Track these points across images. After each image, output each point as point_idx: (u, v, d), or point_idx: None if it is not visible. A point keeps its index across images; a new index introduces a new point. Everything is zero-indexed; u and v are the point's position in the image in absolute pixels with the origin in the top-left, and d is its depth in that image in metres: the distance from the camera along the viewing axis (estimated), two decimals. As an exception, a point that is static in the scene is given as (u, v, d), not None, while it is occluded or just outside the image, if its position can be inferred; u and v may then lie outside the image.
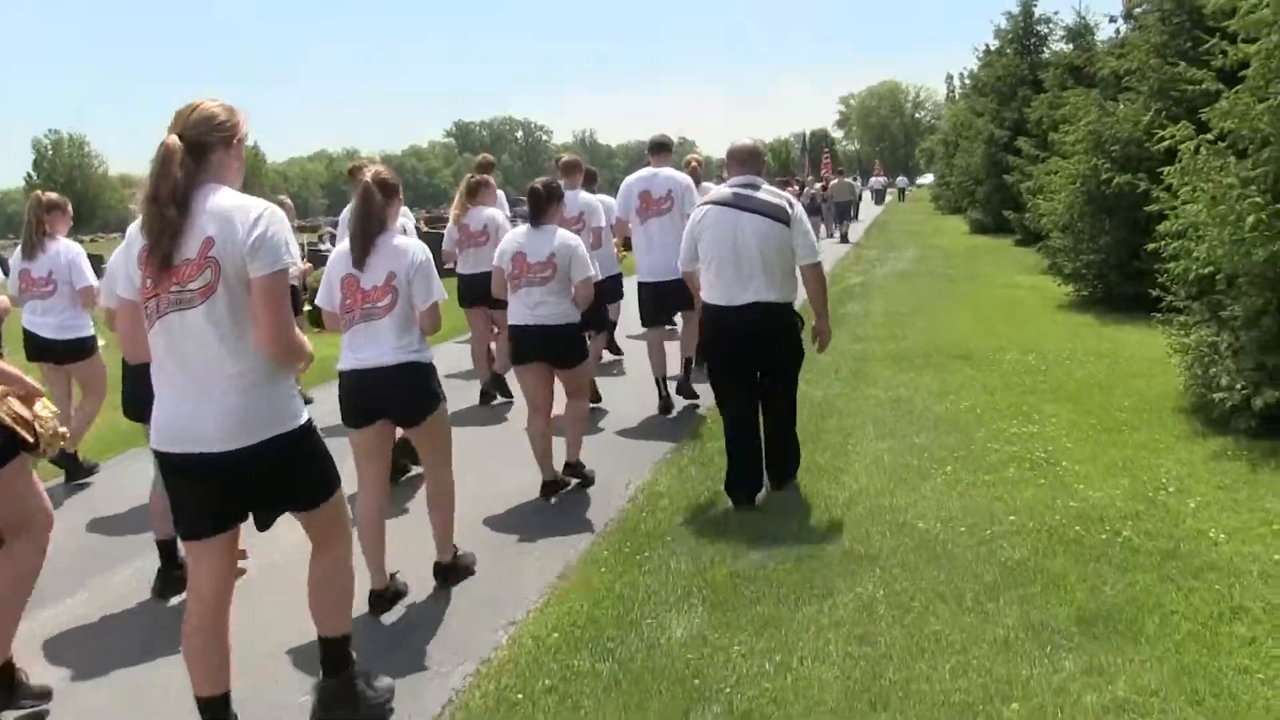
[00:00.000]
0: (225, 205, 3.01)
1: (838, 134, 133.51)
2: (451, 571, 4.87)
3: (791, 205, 5.55)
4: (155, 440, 3.15)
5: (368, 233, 4.40)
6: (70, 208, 7.09)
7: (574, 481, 6.27)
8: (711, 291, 5.59)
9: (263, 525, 3.30)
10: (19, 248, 6.90)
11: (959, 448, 6.48)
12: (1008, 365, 8.98)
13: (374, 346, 4.42)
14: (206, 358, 3.03)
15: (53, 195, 7.01)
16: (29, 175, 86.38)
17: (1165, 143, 6.87)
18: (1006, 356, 9.33)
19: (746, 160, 5.70)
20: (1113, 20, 17.69)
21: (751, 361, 5.63)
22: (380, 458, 4.66)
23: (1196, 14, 11.45)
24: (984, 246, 23.17)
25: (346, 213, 6.68)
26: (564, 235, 5.92)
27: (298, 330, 3.19)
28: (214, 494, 3.14)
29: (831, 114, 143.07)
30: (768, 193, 5.57)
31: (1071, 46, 21.25)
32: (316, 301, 4.69)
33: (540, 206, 5.93)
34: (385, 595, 4.63)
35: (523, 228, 6.10)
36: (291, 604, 3.89)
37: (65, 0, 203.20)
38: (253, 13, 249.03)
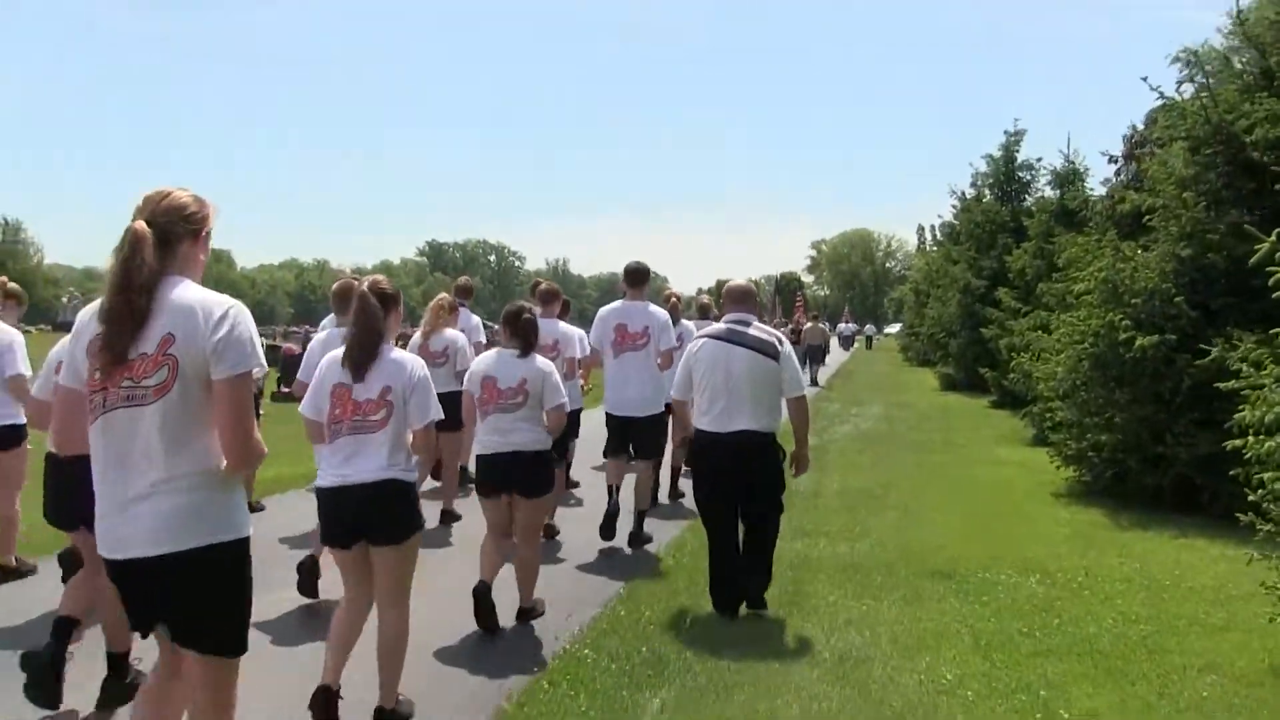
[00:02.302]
0: (188, 300, 2.80)
1: (808, 278, 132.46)
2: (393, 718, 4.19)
3: (781, 342, 5.95)
4: (100, 547, 2.87)
5: (366, 343, 4.22)
6: (24, 299, 6.90)
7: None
8: (703, 419, 5.87)
9: (176, 637, 2.92)
10: None
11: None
12: (1003, 594, 6.34)
13: (361, 461, 4.18)
14: (150, 458, 2.76)
15: (12, 285, 6.73)
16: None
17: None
18: (1001, 578, 6.68)
19: (741, 299, 6.13)
20: (1112, 160, 15.51)
21: (735, 484, 5.88)
22: (364, 575, 4.27)
23: (1236, 142, 9.29)
24: (958, 406, 20.64)
25: (326, 322, 7.53)
26: (538, 360, 5.73)
27: (258, 434, 2.89)
28: (146, 599, 2.90)
29: (803, 258, 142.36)
30: (759, 329, 5.95)
31: (1059, 193, 19.24)
32: (301, 410, 4.46)
33: (534, 338, 5.73)
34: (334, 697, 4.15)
35: (492, 352, 5.88)
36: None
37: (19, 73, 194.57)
38: (223, 109, 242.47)
